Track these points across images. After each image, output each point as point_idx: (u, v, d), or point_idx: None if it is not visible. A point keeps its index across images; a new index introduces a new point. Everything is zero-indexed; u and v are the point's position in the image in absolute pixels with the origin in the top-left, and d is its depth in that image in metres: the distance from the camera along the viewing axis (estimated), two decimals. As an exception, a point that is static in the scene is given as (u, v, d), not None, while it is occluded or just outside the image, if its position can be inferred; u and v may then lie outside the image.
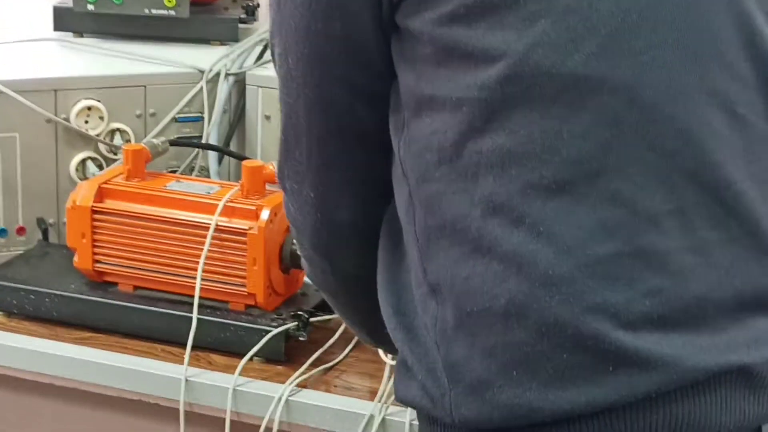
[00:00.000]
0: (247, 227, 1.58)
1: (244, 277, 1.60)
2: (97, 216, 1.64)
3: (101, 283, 1.68)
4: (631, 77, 0.96)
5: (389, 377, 1.53)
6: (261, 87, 1.92)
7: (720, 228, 0.99)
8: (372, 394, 1.53)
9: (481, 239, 0.99)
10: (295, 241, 1.33)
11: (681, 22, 0.98)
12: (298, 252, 1.28)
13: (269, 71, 1.94)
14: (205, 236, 1.60)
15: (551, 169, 0.96)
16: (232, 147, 1.95)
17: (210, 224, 1.59)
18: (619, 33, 0.96)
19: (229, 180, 1.92)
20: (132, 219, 1.63)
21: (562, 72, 0.96)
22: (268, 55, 1.98)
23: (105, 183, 1.66)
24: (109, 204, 1.65)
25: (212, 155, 1.91)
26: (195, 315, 1.57)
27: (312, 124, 1.12)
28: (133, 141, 1.88)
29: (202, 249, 1.60)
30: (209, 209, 1.61)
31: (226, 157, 1.94)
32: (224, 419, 1.53)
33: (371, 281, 1.15)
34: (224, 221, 1.60)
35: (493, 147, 0.98)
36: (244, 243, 1.59)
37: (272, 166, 1.63)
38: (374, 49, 1.07)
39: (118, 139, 1.86)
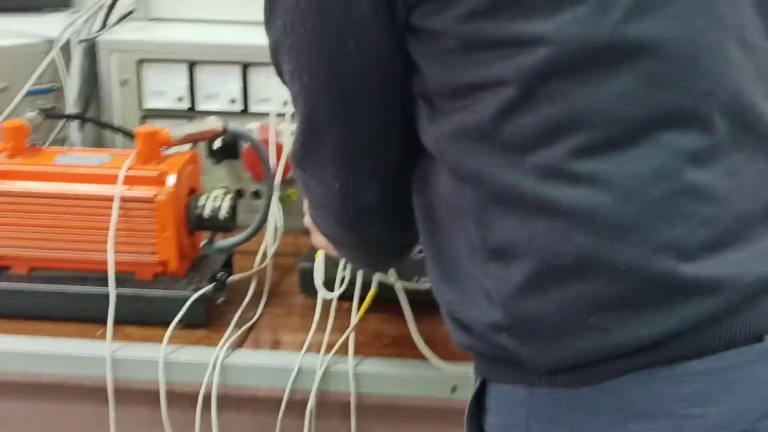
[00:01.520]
0: (153, 194, 1.55)
1: (153, 245, 1.56)
2: (-14, 199, 1.57)
3: (-6, 268, 1.61)
4: (657, 35, 1.02)
5: (315, 329, 1.54)
6: (115, 51, 1.86)
7: (746, 148, 1.07)
8: (299, 346, 1.53)
9: (539, 202, 1.04)
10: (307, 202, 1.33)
11: None
12: (309, 209, 1.32)
13: (119, 35, 1.90)
14: (106, 208, 1.55)
15: (597, 130, 1.02)
16: (89, 114, 1.89)
17: (113, 195, 1.54)
18: None
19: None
20: (27, 198, 1.57)
21: (595, 42, 1.01)
22: (113, 19, 1.93)
23: (-12, 164, 1.58)
24: (-1, 185, 1.57)
25: (73, 125, 1.85)
26: (112, 289, 1.53)
27: (333, 130, 1.15)
28: (-13, 118, 1.80)
29: (103, 222, 1.55)
30: (108, 179, 1.56)
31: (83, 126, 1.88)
32: (154, 392, 1.50)
33: (394, 235, 1.24)
34: (127, 190, 1.55)
35: (537, 119, 1.03)
36: (152, 210, 1.55)
37: (167, 132, 1.60)
38: (390, 55, 1.10)
39: (-27, 118, 1.78)
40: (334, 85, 1.12)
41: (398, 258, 1.38)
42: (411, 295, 1.54)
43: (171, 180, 1.55)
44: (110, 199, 1.54)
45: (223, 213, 1.60)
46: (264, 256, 1.73)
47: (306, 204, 1.46)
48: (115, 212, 1.54)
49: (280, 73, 1.18)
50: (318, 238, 1.43)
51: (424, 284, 1.54)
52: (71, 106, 1.85)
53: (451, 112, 1.08)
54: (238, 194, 1.89)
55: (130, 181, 1.56)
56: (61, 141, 1.87)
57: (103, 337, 1.53)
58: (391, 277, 1.54)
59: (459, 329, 1.15)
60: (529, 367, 1.09)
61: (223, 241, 1.74)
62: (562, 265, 1.04)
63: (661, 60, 1.03)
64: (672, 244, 1.02)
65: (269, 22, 1.15)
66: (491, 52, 1.03)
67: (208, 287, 1.57)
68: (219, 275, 1.58)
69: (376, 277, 1.55)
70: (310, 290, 1.64)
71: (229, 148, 1.86)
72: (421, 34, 1.08)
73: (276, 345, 1.56)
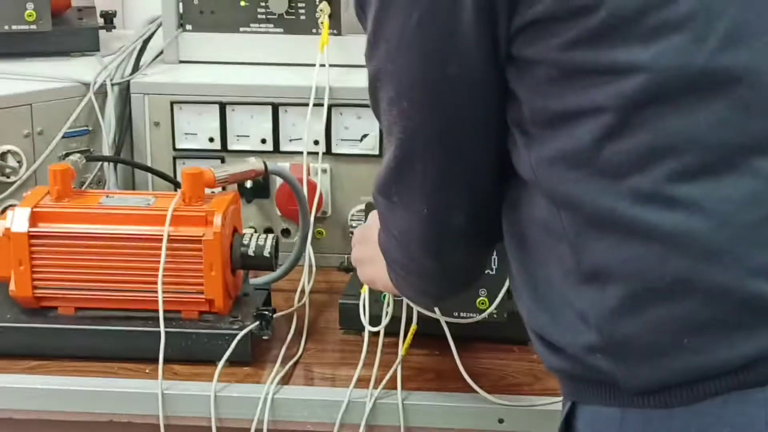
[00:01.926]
0: (201, 234, 1.58)
1: (200, 284, 1.60)
2: (34, 241, 1.60)
3: (39, 309, 1.63)
4: (750, 64, 1.06)
5: (363, 364, 1.57)
6: (146, 94, 1.90)
7: None
8: (345, 381, 1.56)
9: (635, 226, 1.07)
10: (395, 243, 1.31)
11: None
12: (382, 239, 1.32)
13: (152, 78, 1.93)
14: (154, 248, 1.59)
15: (692, 156, 1.06)
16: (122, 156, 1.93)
17: (161, 236, 1.58)
18: (734, 28, 1.06)
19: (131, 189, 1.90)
20: (75, 240, 1.60)
21: (691, 71, 1.05)
22: (144, 61, 1.97)
23: (36, 206, 1.61)
24: (47, 227, 1.60)
25: (109, 167, 1.88)
26: (162, 328, 1.56)
27: (428, 157, 1.18)
28: (24, 162, 1.84)
29: (150, 262, 1.59)
30: (155, 221, 1.60)
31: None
32: (205, 428, 1.53)
33: (475, 261, 1.29)
34: (175, 231, 1.59)
35: (634, 145, 1.07)
36: (199, 250, 1.59)
37: (211, 172, 1.63)
38: (490, 83, 1.14)
39: (11, 161, 1.81)
40: (434, 111, 1.15)
41: (466, 289, 1.41)
42: (453, 329, 1.58)
43: (218, 220, 1.58)
44: (158, 239, 1.58)
45: (267, 251, 1.63)
46: (302, 293, 1.76)
47: (356, 238, 1.50)
48: (163, 252, 1.57)
49: (375, 104, 1.21)
50: (366, 272, 1.47)
51: (464, 319, 1.59)
52: (107, 148, 1.88)
53: (548, 138, 1.12)
54: (267, 232, 1.92)
55: (177, 221, 1.59)
56: (94, 183, 1.90)
57: (151, 375, 1.56)
58: (435, 312, 1.57)
59: (551, 352, 1.18)
60: (623, 388, 1.12)
61: (258, 279, 1.77)
62: (657, 287, 1.08)
63: (754, 88, 1.07)
64: (765, 268, 1.06)
65: (371, 50, 1.17)
66: (589, 80, 1.07)
67: (255, 324, 1.60)
68: (265, 312, 1.61)
69: (416, 313, 1.59)
70: (349, 326, 1.67)
71: (260, 188, 1.90)
72: (519, 64, 1.11)
73: (322, 380, 1.59)
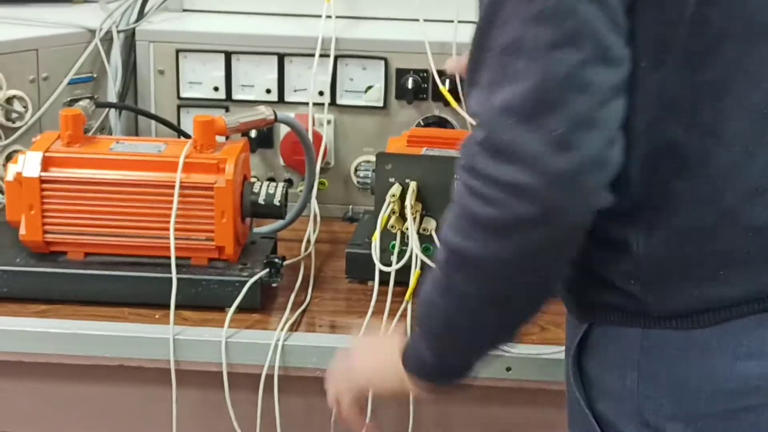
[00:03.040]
0: (213, 181, 1.59)
1: (211, 231, 1.61)
2: (46, 186, 1.60)
3: (48, 254, 1.64)
4: None
5: (372, 311, 1.58)
6: (152, 42, 1.90)
7: None
8: (356, 329, 1.57)
9: (687, 160, 1.12)
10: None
11: None
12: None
13: (157, 25, 1.93)
14: (165, 195, 1.59)
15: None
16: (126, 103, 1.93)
17: (173, 182, 1.58)
18: None
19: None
20: (86, 185, 1.60)
21: None
22: (149, 8, 1.97)
23: (48, 151, 1.61)
24: (59, 172, 1.61)
25: (113, 113, 1.88)
26: (174, 274, 1.57)
27: None
28: (30, 107, 1.84)
29: (161, 209, 1.60)
30: (167, 167, 1.60)
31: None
32: (215, 373, 1.55)
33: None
34: (187, 177, 1.59)
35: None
36: (211, 197, 1.59)
37: (222, 120, 1.64)
38: None
39: (18, 106, 1.81)
40: None
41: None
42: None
43: (229, 167, 1.59)
44: (170, 185, 1.58)
45: (276, 200, 1.65)
46: (308, 242, 1.78)
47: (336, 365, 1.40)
48: (175, 198, 1.58)
49: (482, 47, 1.10)
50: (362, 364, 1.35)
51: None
52: (113, 95, 1.88)
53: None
54: (270, 181, 1.93)
55: (188, 168, 1.60)
56: (98, 130, 1.90)
57: (161, 321, 1.58)
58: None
59: (579, 283, 1.21)
60: (648, 312, 1.17)
61: (263, 228, 1.78)
62: (700, 225, 1.13)
63: None
64: None
65: None
66: None
67: (264, 271, 1.61)
68: (275, 260, 1.63)
69: (420, 259, 1.59)
70: (356, 274, 1.69)
71: (265, 137, 1.90)
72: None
73: (332, 327, 1.61)
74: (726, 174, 1.12)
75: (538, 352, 1.55)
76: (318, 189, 1.89)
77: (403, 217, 1.62)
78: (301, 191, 1.81)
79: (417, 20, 1.89)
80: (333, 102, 1.90)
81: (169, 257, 1.59)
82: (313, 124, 1.87)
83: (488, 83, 1.08)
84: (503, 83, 1.06)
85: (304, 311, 1.63)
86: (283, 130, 1.89)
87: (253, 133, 1.89)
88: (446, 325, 1.20)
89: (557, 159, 1.04)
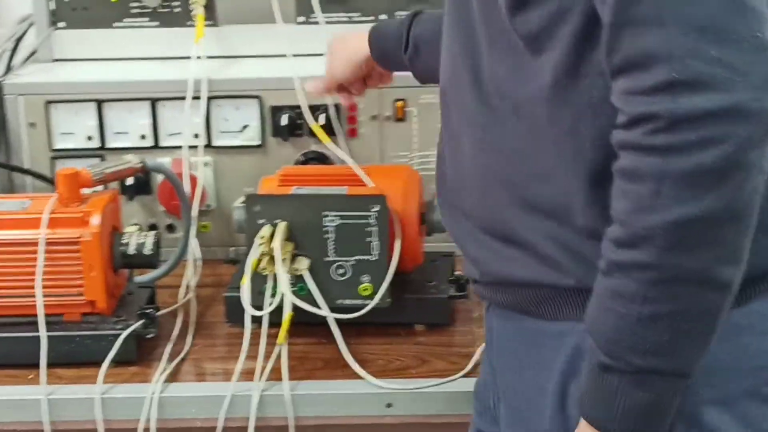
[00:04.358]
0: (78, 235, 1.56)
1: (81, 286, 1.58)
2: None
3: None
4: None
5: (245, 358, 1.55)
6: (21, 95, 1.87)
7: None
8: (232, 375, 1.55)
9: None
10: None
11: None
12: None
13: (26, 78, 1.90)
14: (30, 252, 1.56)
15: None
16: (-2, 160, 1.90)
17: (37, 239, 1.55)
18: None
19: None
20: (-50, 247, 1.57)
21: None
22: (16, 62, 1.94)
23: None
24: None
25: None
26: (43, 332, 1.54)
27: None
28: None
29: (28, 267, 1.56)
30: (31, 224, 1.57)
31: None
32: (92, 431, 1.52)
33: None
34: (52, 233, 1.56)
35: None
36: (78, 251, 1.56)
37: (87, 171, 1.61)
38: None
39: None
40: None
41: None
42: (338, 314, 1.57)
43: (95, 220, 1.56)
44: (35, 243, 1.55)
45: (147, 249, 1.62)
46: (187, 288, 1.75)
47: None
48: (41, 255, 1.55)
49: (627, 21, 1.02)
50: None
51: (348, 306, 1.58)
52: (-21, 151, 1.85)
53: None
54: (152, 229, 1.91)
55: (54, 223, 1.57)
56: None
57: (34, 381, 1.54)
58: (318, 299, 1.57)
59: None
60: None
61: (143, 276, 1.75)
62: None
63: None
64: None
65: None
66: None
67: (138, 323, 1.58)
68: (148, 311, 1.60)
69: (291, 301, 1.56)
70: (236, 319, 1.66)
71: (142, 184, 1.88)
72: None
73: (210, 375, 1.58)
74: None
75: (419, 385, 1.53)
76: (201, 231, 1.87)
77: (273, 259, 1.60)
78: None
79: (285, 56, 1.88)
80: (209, 144, 1.87)
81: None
82: (189, 168, 1.84)
83: (667, 14, 0.99)
84: (693, 2, 0.99)
85: (182, 360, 1.61)
86: (161, 176, 1.86)
87: (130, 181, 1.86)
88: (677, 330, 1.07)
89: None
